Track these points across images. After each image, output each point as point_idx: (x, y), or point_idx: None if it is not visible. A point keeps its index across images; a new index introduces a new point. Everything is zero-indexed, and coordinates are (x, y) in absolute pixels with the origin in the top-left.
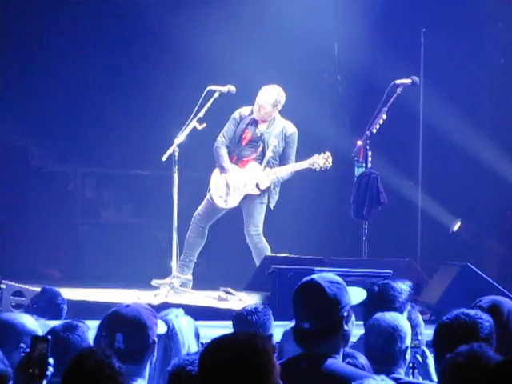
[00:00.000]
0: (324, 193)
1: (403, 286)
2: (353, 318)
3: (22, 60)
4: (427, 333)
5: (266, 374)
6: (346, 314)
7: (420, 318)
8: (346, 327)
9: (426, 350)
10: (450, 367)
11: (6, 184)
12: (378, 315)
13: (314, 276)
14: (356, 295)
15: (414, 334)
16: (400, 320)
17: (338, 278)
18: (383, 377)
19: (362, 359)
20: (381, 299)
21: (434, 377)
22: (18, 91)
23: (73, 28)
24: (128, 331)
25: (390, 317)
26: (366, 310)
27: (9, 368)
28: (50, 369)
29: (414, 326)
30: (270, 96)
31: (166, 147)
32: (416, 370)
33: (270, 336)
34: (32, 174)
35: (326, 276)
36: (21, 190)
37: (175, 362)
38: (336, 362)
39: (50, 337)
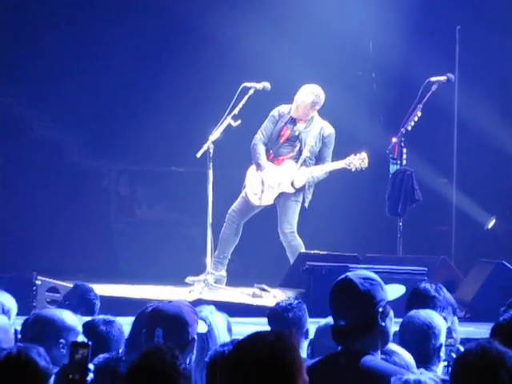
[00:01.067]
0: (359, 190)
1: (447, 294)
2: (391, 314)
3: (56, 57)
4: (462, 330)
5: (296, 371)
6: (381, 309)
7: (454, 317)
8: (382, 323)
9: (461, 348)
10: (460, 368)
11: (40, 181)
12: (413, 312)
13: (349, 273)
14: (394, 291)
15: (449, 332)
16: (435, 317)
17: (373, 275)
18: (422, 370)
19: (408, 357)
20: (424, 298)
21: None
22: (52, 88)
23: (107, 23)
24: (168, 327)
25: (425, 314)
26: (408, 308)
27: (50, 364)
28: (90, 374)
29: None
30: (309, 97)
31: (200, 144)
32: (450, 368)
33: (295, 333)
34: (66, 170)
35: (360, 273)
36: (55, 186)
37: (211, 353)
38: (374, 359)
39: (90, 342)
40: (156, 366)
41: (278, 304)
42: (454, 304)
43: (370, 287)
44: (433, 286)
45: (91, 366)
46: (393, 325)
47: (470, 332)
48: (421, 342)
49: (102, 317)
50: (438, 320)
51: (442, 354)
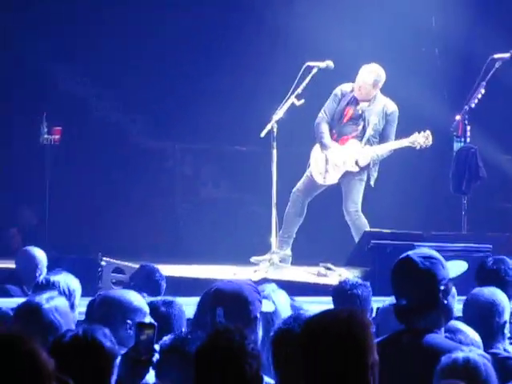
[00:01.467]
0: (423, 168)
1: None
2: (454, 291)
3: (118, 39)
4: None
5: (369, 348)
6: (442, 287)
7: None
8: (444, 301)
9: None
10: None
11: (104, 161)
12: (476, 290)
13: (410, 252)
14: (456, 268)
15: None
16: (498, 294)
17: (434, 253)
18: (472, 347)
19: (474, 335)
20: (496, 272)
21: None
22: (115, 70)
23: (168, 7)
24: (229, 306)
25: (488, 291)
26: (480, 284)
27: (116, 345)
28: (156, 355)
29: None
30: (370, 76)
31: (264, 123)
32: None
33: (366, 311)
34: (130, 151)
35: (421, 251)
36: (119, 166)
37: (275, 330)
38: (437, 337)
39: (155, 323)
40: (224, 347)
41: (343, 281)
42: None
43: (431, 266)
44: (502, 264)
45: (157, 347)
46: (456, 302)
47: None
48: (485, 319)
49: (161, 298)
50: (501, 297)
51: (507, 332)
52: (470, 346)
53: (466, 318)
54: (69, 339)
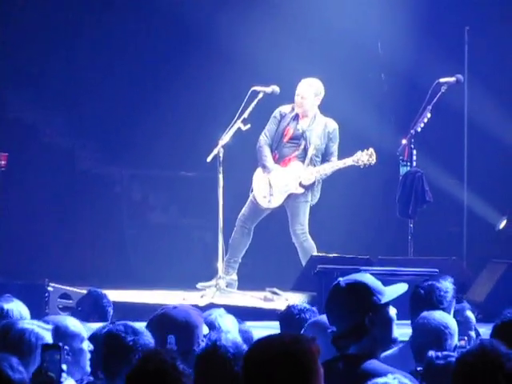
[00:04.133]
0: (369, 192)
1: (447, 285)
2: (392, 315)
3: (68, 64)
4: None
5: (313, 375)
6: (371, 314)
7: (472, 317)
8: (373, 328)
9: None
10: (460, 368)
11: (52, 187)
12: (426, 314)
13: (340, 279)
14: (395, 290)
15: (468, 332)
16: (448, 318)
17: (366, 278)
18: (397, 375)
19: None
20: (428, 302)
21: None
22: (63, 94)
23: (118, 29)
24: (179, 333)
25: (439, 315)
26: (413, 312)
27: (24, 375)
28: (64, 375)
29: (469, 325)
30: (310, 86)
31: (210, 148)
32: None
33: (315, 338)
34: (78, 176)
35: (352, 277)
36: (67, 192)
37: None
38: (372, 363)
39: (61, 344)
40: (157, 369)
41: (291, 306)
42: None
43: (357, 293)
44: (433, 293)
45: (64, 367)
46: (395, 326)
47: (482, 333)
48: (437, 343)
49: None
50: (451, 321)
51: (455, 355)
52: (394, 373)
53: (416, 342)
54: None
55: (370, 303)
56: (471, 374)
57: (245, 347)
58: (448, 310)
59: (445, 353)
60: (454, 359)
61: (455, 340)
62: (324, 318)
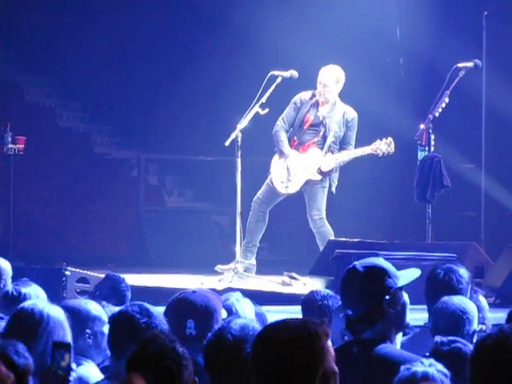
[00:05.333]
0: (387, 177)
1: (463, 270)
2: (405, 299)
3: (85, 48)
4: (492, 316)
5: (317, 358)
6: (388, 297)
7: (484, 302)
8: (391, 311)
9: None
10: (479, 350)
11: (69, 171)
12: (445, 298)
13: (356, 262)
14: (407, 275)
15: (480, 318)
16: (467, 303)
17: (381, 261)
18: (432, 361)
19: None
20: (447, 284)
21: None
22: (81, 78)
23: (133, 15)
24: (198, 317)
25: (458, 300)
26: (430, 295)
27: (30, 360)
28: (73, 374)
29: (478, 310)
30: (332, 74)
31: (228, 132)
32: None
33: (325, 321)
34: (95, 161)
35: (367, 261)
36: (84, 176)
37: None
38: (387, 347)
39: (71, 342)
40: (156, 352)
41: (313, 292)
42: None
43: (374, 275)
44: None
45: (74, 366)
46: (408, 311)
47: (500, 318)
48: (455, 328)
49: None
50: (470, 306)
51: (475, 340)
52: (429, 359)
53: (435, 327)
54: None
55: (387, 286)
56: (490, 357)
57: (254, 330)
58: (465, 293)
59: (451, 338)
60: (460, 345)
61: (474, 325)
62: None
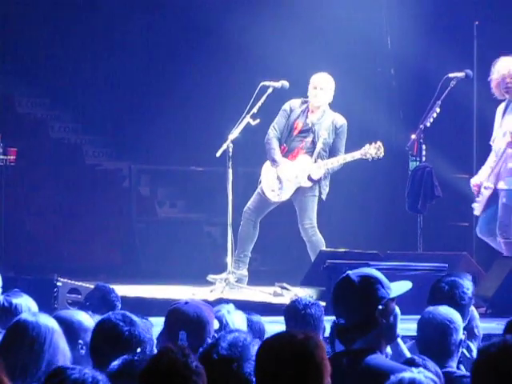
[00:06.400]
0: (378, 187)
1: (468, 283)
2: (397, 310)
3: (77, 60)
4: (483, 326)
5: (324, 370)
6: (381, 307)
7: (475, 312)
8: (383, 321)
9: (471, 344)
10: (482, 357)
11: (61, 182)
12: (431, 309)
13: (349, 272)
14: (399, 287)
15: (470, 328)
16: (453, 313)
17: (374, 272)
18: (421, 369)
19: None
20: (450, 297)
21: None
22: (72, 89)
23: (126, 24)
24: (190, 329)
25: (445, 310)
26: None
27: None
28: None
29: (469, 320)
30: (326, 78)
31: (220, 143)
32: (461, 365)
33: (319, 332)
34: (87, 171)
35: (360, 271)
36: (76, 187)
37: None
38: (376, 357)
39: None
40: (168, 367)
41: (295, 301)
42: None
43: (369, 285)
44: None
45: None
46: (399, 321)
47: (491, 328)
48: (442, 338)
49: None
50: (457, 316)
51: (461, 350)
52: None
53: (422, 337)
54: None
55: (380, 296)
56: (494, 364)
57: (245, 345)
58: (468, 307)
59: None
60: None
61: (460, 334)
62: None
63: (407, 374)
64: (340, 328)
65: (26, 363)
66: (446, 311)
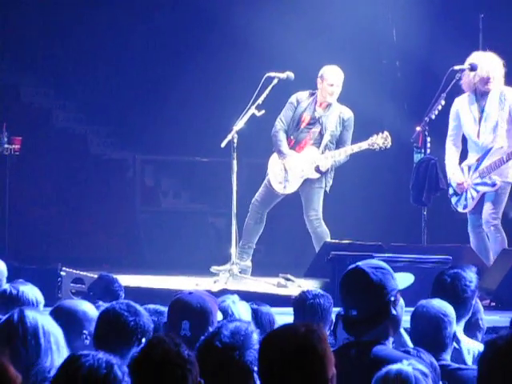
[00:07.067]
0: (383, 179)
1: (472, 275)
2: (401, 302)
3: (82, 50)
4: (487, 318)
5: (328, 362)
6: (392, 298)
7: (479, 304)
8: (394, 312)
9: (459, 335)
10: (489, 350)
11: (65, 171)
12: (424, 302)
13: (359, 263)
14: (403, 280)
15: (475, 320)
16: (447, 306)
17: (383, 264)
18: (412, 361)
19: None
20: (453, 290)
21: (469, 362)
22: (77, 79)
23: (132, 17)
24: (194, 319)
25: (438, 303)
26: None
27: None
28: None
29: (474, 312)
30: (341, 75)
31: (224, 134)
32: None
33: (324, 324)
34: (91, 161)
35: (370, 262)
36: (80, 177)
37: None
38: (385, 349)
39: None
40: (162, 357)
41: (305, 292)
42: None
43: (382, 276)
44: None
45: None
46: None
47: (495, 320)
48: (436, 331)
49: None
50: (450, 309)
51: (454, 343)
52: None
53: (416, 330)
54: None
55: (392, 287)
56: (501, 357)
57: (247, 334)
58: (471, 300)
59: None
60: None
61: (454, 327)
62: None
63: (395, 366)
64: (352, 319)
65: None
66: (440, 304)
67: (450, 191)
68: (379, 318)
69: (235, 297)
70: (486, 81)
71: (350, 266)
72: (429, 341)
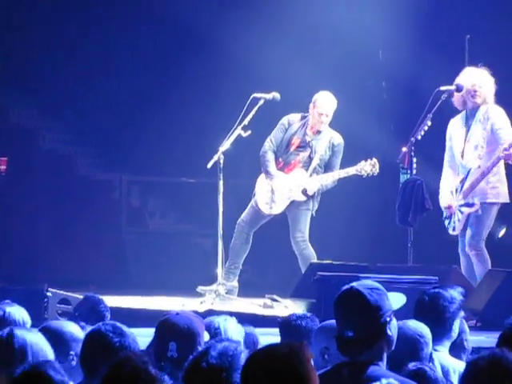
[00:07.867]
0: (369, 199)
1: (455, 294)
2: (394, 322)
3: (68, 71)
4: (473, 339)
5: (311, 383)
6: (388, 319)
7: (465, 325)
8: (389, 332)
9: (444, 356)
10: (471, 370)
11: (52, 192)
12: (400, 323)
13: (354, 284)
14: (395, 300)
15: (460, 341)
16: (423, 327)
17: (378, 284)
18: (391, 380)
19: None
20: (431, 309)
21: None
22: (64, 100)
23: (118, 36)
24: (181, 340)
25: (414, 324)
26: (416, 319)
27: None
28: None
29: (459, 333)
30: (333, 103)
31: (211, 155)
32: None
33: (307, 344)
34: (77, 182)
35: (365, 283)
36: (67, 198)
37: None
38: (378, 369)
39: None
40: (132, 374)
41: (292, 314)
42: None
43: (378, 297)
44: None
45: None
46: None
47: (481, 341)
48: (414, 352)
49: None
50: (425, 329)
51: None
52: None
53: (392, 351)
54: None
55: (387, 307)
56: (483, 377)
57: (235, 355)
58: (452, 320)
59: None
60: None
61: (430, 348)
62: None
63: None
64: (347, 340)
65: None
66: (415, 325)
67: (444, 214)
68: (375, 339)
69: (230, 318)
70: (472, 94)
71: (345, 287)
72: (406, 362)
